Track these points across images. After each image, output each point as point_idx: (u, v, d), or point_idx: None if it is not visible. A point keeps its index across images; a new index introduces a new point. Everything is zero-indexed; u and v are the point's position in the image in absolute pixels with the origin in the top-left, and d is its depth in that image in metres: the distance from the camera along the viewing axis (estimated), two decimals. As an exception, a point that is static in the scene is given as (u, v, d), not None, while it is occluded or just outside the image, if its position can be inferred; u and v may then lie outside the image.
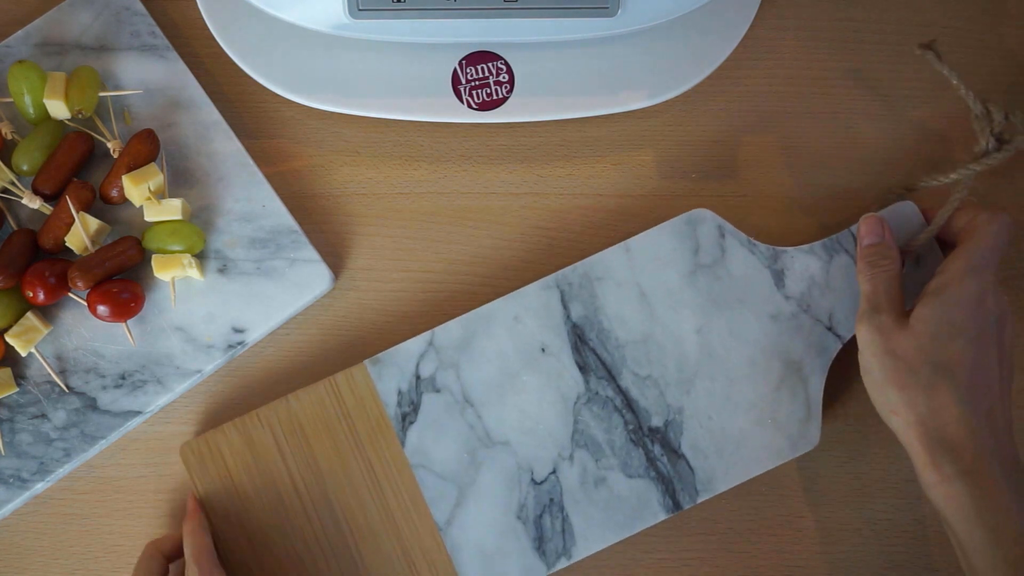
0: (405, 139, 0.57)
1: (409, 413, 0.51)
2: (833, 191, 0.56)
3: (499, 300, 0.52)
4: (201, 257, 0.53)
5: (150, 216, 0.52)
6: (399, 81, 0.54)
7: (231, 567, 0.50)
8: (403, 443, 0.51)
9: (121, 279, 0.52)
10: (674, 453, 0.51)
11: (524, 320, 0.52)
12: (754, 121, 0.57)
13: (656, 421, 0.51)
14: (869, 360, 0.47)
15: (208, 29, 0.54)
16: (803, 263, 0.52)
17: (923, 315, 0.46)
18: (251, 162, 0.55)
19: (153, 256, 0.52)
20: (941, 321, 0.46)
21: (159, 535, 0.52)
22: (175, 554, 0.50)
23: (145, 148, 0.53)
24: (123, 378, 0.52)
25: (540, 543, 0.50)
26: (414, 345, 0.51)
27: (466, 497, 0.50)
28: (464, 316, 0.52)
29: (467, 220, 0.56)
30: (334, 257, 0.55)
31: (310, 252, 0.54)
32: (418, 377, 0.51)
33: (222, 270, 0.53)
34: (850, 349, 0.54)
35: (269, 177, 0.55)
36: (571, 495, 0.50)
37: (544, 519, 0.50)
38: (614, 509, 0.50)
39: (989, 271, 0.47)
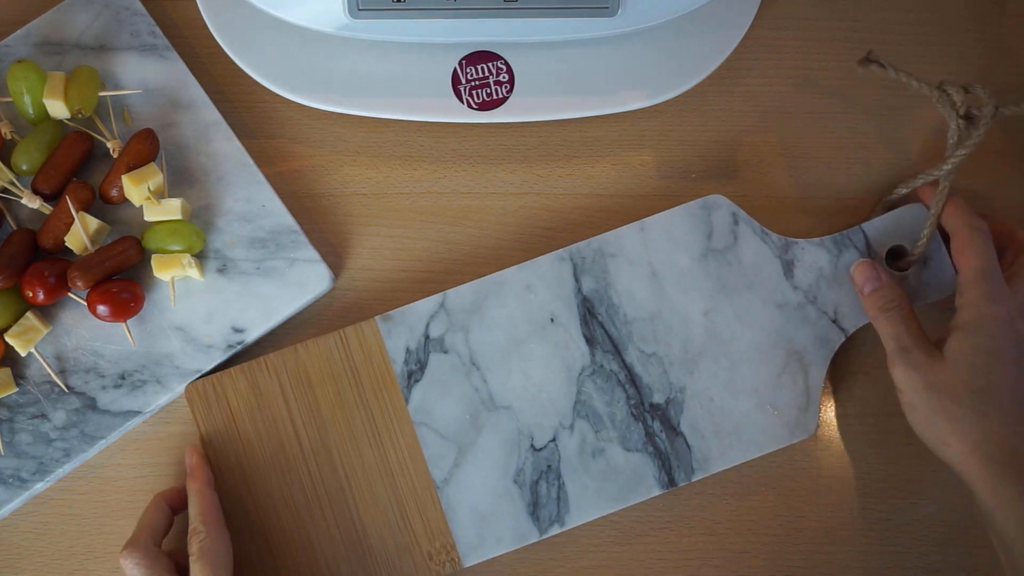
0: (405, 139, 0.57)
1: (415, 371, 0.52)
2: (833, 191, 0.56)
3: (512, 268, 0.53)
4: (201, 257, 0.53)
5: (150, 216, 0.52)
6: (399, 81, 0.54)
7: (227, 510, 0.50)
8: (407, 400, 0.51)
9: (121, 279, 0.52)
10: (673, 430, 0.51)
11: (536, 289, 0.52)
12: (754, 121, 0.57)
13: (658, 398, 0.51)
14: (911, 397, 0.47)
15: (208, 29, 0.54)
16: (813, 255, 0.53)
17: (957, 348, 0.46)
18: (251, 162, 0.55)
19: (153, 256, 0.52)
20: (977, 351, 0.46)
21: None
22: (181, 507, 0.50)
23: (145, 148, 0.53)
24: (123, 378, 0.52)
25: (535, 508, 0.50)
26: (425, 305, 0.52)
27: (465, 458, 0.51)
28: (477, 281, 0.52)
29: (467, 220, 0.56)
30: (334, 257, 0.55)
31: (310, 252, 0.54)
32: (427, 337, 0.52)
33: (222, 270, 0.53)
34: (852, 349, 0.54)
35: (269, 177, 0.55)
36: (569, 463, 0.51)
37: (540, 485, 0.51)
38: (610, 480, 0.51)
39: (1002, 289, 0.47)
